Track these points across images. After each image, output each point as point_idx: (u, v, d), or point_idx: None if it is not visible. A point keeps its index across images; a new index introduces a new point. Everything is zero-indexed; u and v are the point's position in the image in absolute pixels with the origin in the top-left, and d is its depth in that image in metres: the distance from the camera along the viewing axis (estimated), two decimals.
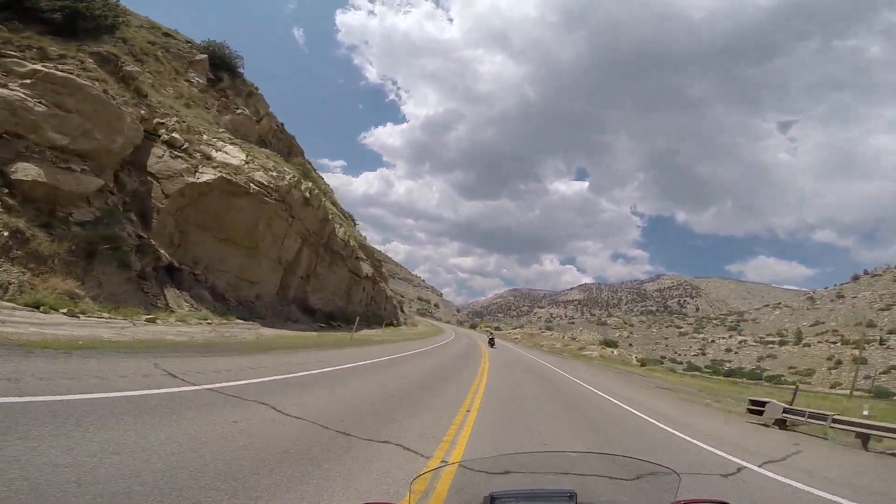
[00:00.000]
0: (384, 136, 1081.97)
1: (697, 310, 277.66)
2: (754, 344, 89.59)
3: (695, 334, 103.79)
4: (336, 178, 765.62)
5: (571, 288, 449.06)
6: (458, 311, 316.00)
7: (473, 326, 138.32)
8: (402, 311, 69.18)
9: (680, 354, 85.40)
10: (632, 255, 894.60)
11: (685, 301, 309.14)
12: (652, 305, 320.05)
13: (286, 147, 35.24)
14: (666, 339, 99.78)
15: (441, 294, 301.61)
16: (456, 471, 2.25)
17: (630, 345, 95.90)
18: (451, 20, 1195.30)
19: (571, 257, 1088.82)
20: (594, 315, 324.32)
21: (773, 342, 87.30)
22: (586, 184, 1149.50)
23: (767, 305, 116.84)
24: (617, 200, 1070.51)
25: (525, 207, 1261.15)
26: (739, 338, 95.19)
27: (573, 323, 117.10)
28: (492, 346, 35.98)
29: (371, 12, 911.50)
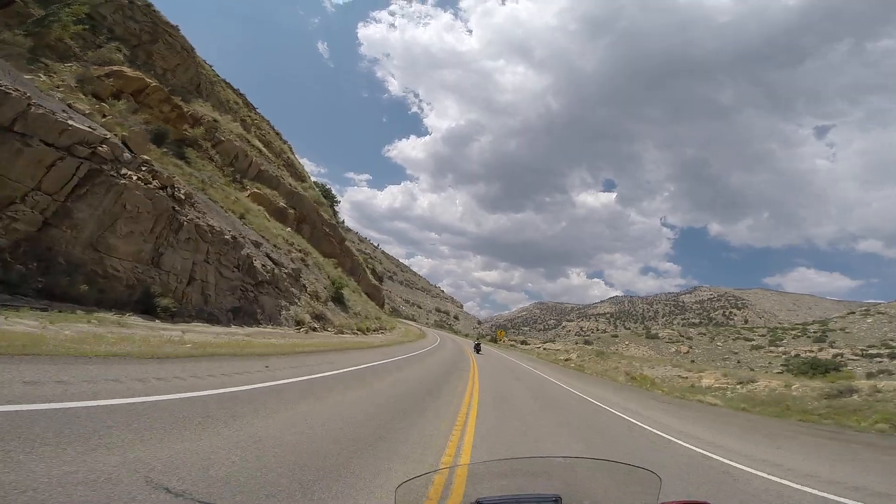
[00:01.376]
0: (407, 148, 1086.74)
1: (746, 322, 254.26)
2: (855, 357, 70.37)
3: (771, 347, 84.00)
4: (362, 192, 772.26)
5: (601, 301, 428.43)
6: (480, 323, 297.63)
7: (495, 340, 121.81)
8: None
9: (758, 371, 66.52)
10: (663, 269, 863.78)
11: (731, 313, 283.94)
12: (693, 318, 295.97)
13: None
14: (735, 353, 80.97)
15: (461, 306, 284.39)
16: (445, 477, 2.34)
17: (692, 361, 75.98)
18: (470, 31, 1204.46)
19: (599, 271, 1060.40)
20: (628, 328, 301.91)
21: (880, 355, 68.15)
22: (614, 195, 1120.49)
23: (853, 313, 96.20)
24: (646, 212, 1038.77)
25: (550, 220, 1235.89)
26: (833, 350, 75.39)
27: (616, 336, 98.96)
28: (477, 353, 33.56)
29: (392, 25, 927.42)
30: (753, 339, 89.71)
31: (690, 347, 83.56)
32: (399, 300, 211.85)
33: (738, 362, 76.24)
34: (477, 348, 36.26)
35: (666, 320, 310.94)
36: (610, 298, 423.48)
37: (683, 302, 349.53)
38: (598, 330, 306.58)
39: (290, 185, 29.00)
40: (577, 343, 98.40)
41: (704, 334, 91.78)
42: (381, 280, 77.61)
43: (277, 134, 39.69)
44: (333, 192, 55.80)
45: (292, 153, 41.43)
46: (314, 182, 48.85)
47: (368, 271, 54.30)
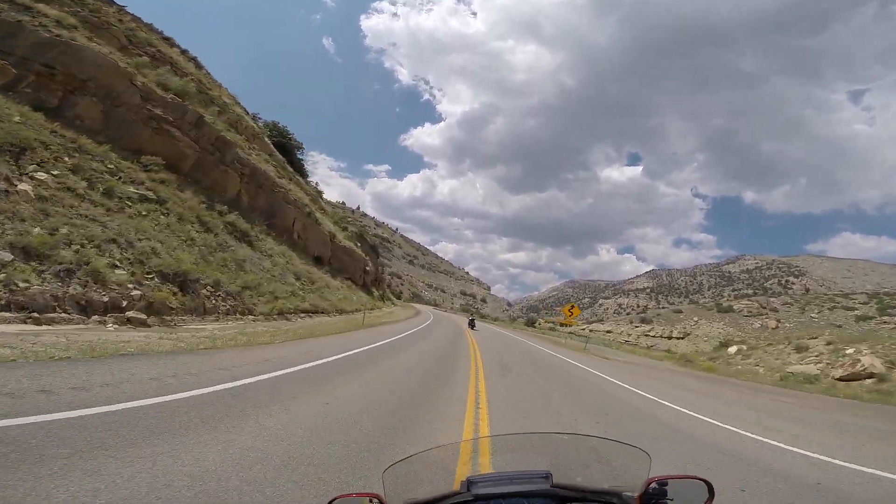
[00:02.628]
0: (423, 136, 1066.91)
1: (807, 290, 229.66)
2: None
3: (884, 318, 65.69)
4: (382, 183, 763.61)
5: (637, 276, 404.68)
6: (510, 305, 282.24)
7: (532, 323, 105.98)
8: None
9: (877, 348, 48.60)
10: (696, 240, 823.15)
11: (788, 281, 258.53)
12: (744, 288, 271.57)
13: None
14: (839, 325, 62.64)
15: (489, 288, 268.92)
16: (433, 454, 2.04)
17: (787, 338, 55.83)
18: (474, 14, 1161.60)
19: (629, 246, 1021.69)
20: (671, 302, 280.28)
21: None
22: (640, 168, 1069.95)
23: None
24: (675, 184, 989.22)
25: (575, 197, 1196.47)
26: None
27: (680, 312, 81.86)
28: (472, 328, 33.62)
29: (394, 14, 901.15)
30: (856, 308, 71.02)
31: (779, 321, 66.07)
32: (421, 285, 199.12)
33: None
34: (471, 324, 35.52)
35: (713, 292, 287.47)
36: (646, 272, 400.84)
37: (729, 272, 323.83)
38: (638, 306, 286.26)
39: None
40: (632, 322, 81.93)
41: (791, 304, 73.63)
42: (375, 250, 63.06)
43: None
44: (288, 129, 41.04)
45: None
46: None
47: (343, 233, 39.87)
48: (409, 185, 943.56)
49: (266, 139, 31.14)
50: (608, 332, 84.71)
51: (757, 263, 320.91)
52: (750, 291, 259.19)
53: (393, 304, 64.62)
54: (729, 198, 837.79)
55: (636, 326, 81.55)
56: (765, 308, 69.71)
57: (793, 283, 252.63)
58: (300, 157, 38.58)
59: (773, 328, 59.13)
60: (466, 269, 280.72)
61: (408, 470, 1.83)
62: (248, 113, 32.54)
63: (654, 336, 75.65)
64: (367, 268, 41.34)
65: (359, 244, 43.04)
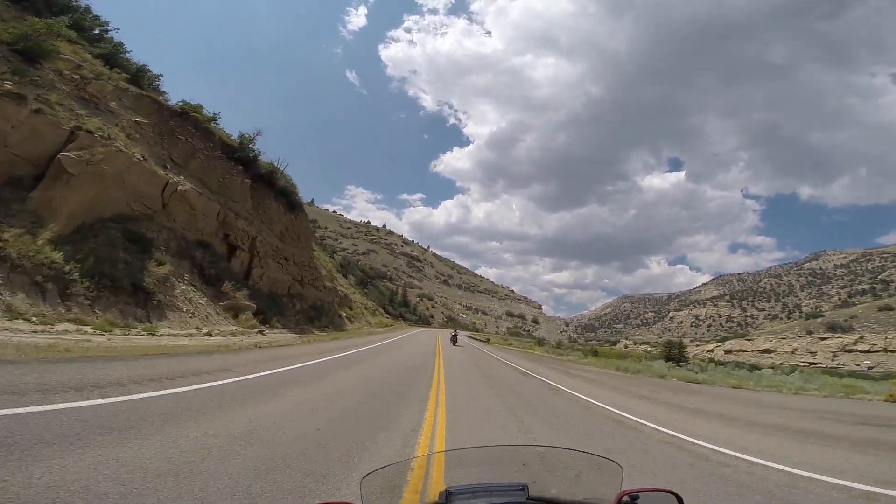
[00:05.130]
0: (453, 161, 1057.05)
1: None
2: None
3: None
4: (418, 212, 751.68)
5: (703, 284, 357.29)
6: (568, 325, 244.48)
7: (593, 352, 74.32)
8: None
9: None
10: (754, 244, 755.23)
11: None
12: (853, 284, 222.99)
13: None
14: None
15: (540, 307, 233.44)
16: (413, 465, 2.26)
17: None
18: (488, 33, 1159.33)
19: (681, 256, 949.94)
20: (760, 308, 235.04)
21: None
22: (682, 174, 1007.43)
23: None
24: (723, 186, 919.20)
25: (617, 210, 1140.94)
26: None
27: (853, 318, 47.91)
28: (454, 345, 32.23)
29: (410, 41, 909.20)
30: None
31: None
32: (458, 307, 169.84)
33: None
34: (454, 340, 34.92)
35: (808, 292, 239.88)
36: (713, 280, 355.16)
37: (821, 269, 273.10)
38: (720, 316, 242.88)
39: None
40: (811, 333, 48.08)
41: None
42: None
43: None
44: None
45: None
46: None
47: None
48: (445, 212, 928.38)
49: None
50: (765, 351, 50.97)
51: (845, 258, 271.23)
52: (866, 286, 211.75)
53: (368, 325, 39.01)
54: (783, 195, 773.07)
55: (821, 339, 47.57)
56: None
57: None
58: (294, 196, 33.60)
59: None
60: (512, 288, 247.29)
61: (387, 478, 1.81)
62: None
63: (871, 351, 41.81)
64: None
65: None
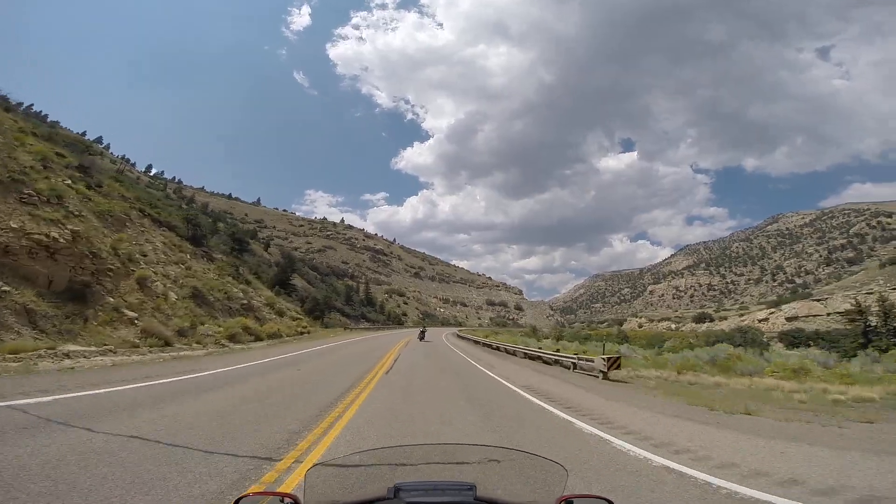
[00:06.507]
0: (414, 156, 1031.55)
1: None
2: None
3: None
4: (382, 211, 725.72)
5: (673, 255, 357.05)
6: (553, 311, 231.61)
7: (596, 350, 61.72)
8: None
9: None
10: (708, 215, 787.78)
11: (883, 223, 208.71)
12: (833, 239, 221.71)
13: None
14: None
15: (520, 292, 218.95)
16: (356, 459, 2.04)
17: None
18: (440, 25, 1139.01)
19: (642, 232, 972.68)
20: (740, 274, 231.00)
21: None
22: (635, 154, 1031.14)
23: None
24: (674, 162, 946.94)
25: (578, 192, 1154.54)
26: None
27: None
28: (421, 340, 31.76)
29: (360, 38, 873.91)
30: None
31: None
32: (434, 301, 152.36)
33: None
34: (421, 336, 34.19)
35: (782, 253, 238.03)
36: (681, 250, 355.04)
37: (787, 230, 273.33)
38: (700, 285, 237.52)
39: None
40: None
41: None
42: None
43: None
44: None
45: None
46: None
47: None
48: (410, 209, 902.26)
49: None
50: (847, 313, 36.39)
51: (803, 218, 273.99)
52: (842, 239, 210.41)
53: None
54: (731, 168, 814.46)
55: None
56: None
57: (890, 224, 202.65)
58: None
59: None
60: (489, 276, 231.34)
61: (334, 472, 1.82)
62: None
63: None
64: None
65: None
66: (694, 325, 64.21)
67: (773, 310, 54.17)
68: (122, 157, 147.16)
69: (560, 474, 1.55)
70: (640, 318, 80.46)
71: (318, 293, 55.47)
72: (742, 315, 58.36)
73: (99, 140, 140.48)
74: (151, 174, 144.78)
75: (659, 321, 73.78)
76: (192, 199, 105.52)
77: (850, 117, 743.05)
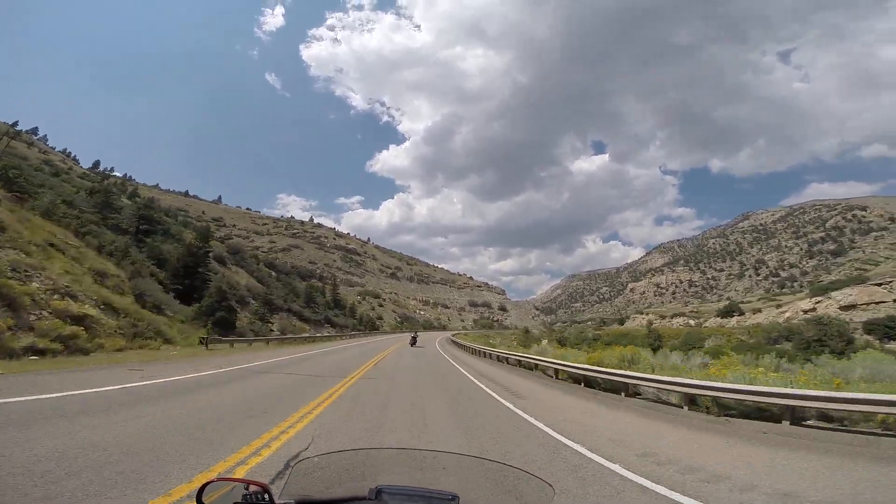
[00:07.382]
0: (390, 159, 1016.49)
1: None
2: None
3: None
4: (358, 216, 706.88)
5: (649, 253, 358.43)
6: (539, 311, 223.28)
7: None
8: None
9: None
10: (676, 215, 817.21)
11: (858, 216, 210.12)
12: (810, 233, 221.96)
13: None
14: None
15: (503, 292, 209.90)
16: (339, 457, 2.04)
17: None
18: (417, 27, 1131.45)
19: (613, 233, 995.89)
20: (719, 270, 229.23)
21: None
22: (607, 156, 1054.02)
23: None
24: (644, 164, 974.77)
25: (552, 194, 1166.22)
26: None
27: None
28: (413, 346, 31.19)
29: (335, 40, 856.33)
30: None
31: None
32: (413, 303, 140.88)
33: None
34: (413, 341, 33.52)
35: (759, 248, 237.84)
36: (659, 247, 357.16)
37: (762, 226, 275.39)
38: (681, 281, 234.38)
39: None
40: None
41: None
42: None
43: None
44: None
45: None
46: None
47: None
48: (387, 213, 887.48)
49: None
50: None
51: (773, 215, 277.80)
52: (819, 234, 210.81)
53: None
54: (697, 169, 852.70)
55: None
56: None
57: (866, 217, 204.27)
58: None
59: None
60: (470, 276, 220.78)
61: (318, 467, 1.77)
62: None
63: None
64: None
65: None
66: (721, 319, 56.12)
67: (819, 298, 46.73)
68: (64, 151, 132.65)
69: (547, 493, 1.49)
70: (648, 314, 71.78)
71: (274, 292, 44.06)
72: (780, 307, 50.65)
73: (34, 131, 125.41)
74: (99, 170, 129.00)
75: (672, 317, 65.37)
76: (135, 194, 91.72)
77: (808, 119, 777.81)
